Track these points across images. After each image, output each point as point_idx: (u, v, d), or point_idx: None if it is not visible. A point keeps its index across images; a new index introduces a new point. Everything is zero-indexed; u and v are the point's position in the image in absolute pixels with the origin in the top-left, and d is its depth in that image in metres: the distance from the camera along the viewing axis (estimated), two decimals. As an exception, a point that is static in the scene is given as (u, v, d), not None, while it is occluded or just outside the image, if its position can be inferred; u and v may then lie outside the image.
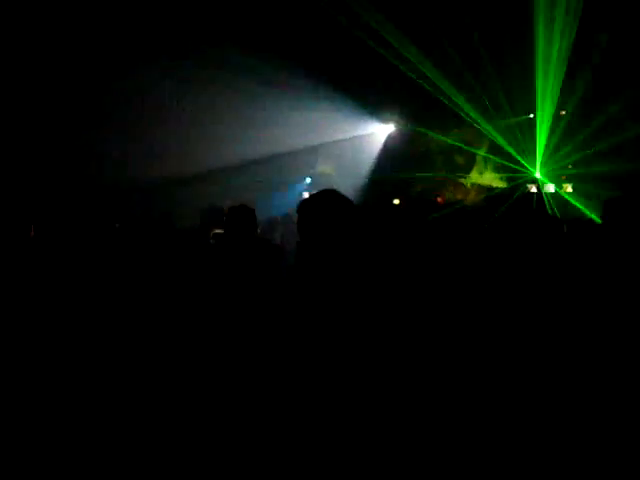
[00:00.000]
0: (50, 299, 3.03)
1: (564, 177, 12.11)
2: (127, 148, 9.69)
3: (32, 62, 8.64)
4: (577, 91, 10.50)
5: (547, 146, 11.77)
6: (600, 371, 2.07)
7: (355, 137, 13.29)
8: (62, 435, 2.62)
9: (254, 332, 2.50)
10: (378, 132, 13.57)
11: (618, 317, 2.13)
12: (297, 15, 8.71)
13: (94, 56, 8.88)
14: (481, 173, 13.12)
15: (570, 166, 12.01)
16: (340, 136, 12.91)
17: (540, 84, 10.36)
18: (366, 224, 2.11)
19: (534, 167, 12.24)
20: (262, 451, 1.85)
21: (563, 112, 11.70)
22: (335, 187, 2.08)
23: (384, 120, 13.21)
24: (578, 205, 11.19)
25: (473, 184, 13.21)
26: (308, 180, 13.48)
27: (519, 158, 12.10)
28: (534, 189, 12.29)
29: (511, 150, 12.00)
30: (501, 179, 12.97)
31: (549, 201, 11.93)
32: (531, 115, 11.86)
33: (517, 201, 10.20)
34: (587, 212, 9.94)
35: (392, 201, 12.15)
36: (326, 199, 1.94)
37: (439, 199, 12.53)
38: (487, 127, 11.76)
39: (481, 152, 12.74)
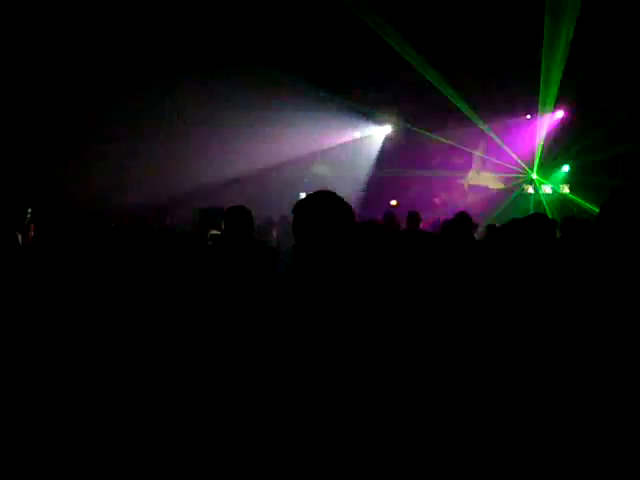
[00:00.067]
0: (48, 299, 3.03)
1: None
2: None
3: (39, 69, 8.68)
4: (576, 91, 10.53)
5: (545, 146, 11.81)
6: (597, 370, 2.08)
7: (352, 140, 13.34)
8: (62, 435, 2.62)
9: (248, 333, 2.50)
10: (375, 134, 13.60)
11: (615, 317, 2.14)
12: (292, 23, 8.71)
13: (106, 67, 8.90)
14: (478, 174, 13.14)
15: (568, 167, 12.04)
16: (337, 141, 12.97)
17: (541, 83, 10.38)
18: (361, 228, 2.11)
19: (531, 168, 12.28)
20: (261, 451, 1.86)
21: (561, 113, 11.75)
22: (330, 188, 2.07)
23: (381, 122, 13.23)
24: (579, 201, 11.21)
25: (470, 185, 13.23)
26: (305, 180, 13.49)
27: (518, 158, 12.14)
28: (531, 190, 12.33)
29: (509, 150, 12.03)
30: (498, 180, 13.00)
31: (546, 202, 11.98)
32: (528, 116, 11.90)
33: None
34: (594, 208, 9.95)
35: (389, 202, 12.21)
36: (321, 200, 1.93)
37: (437, 200, 12.57)
38: (485, 127, 11.79)
39: (481, 150, 12.77)
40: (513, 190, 12.43)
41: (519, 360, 2.28)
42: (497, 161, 12.44)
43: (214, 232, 4.24)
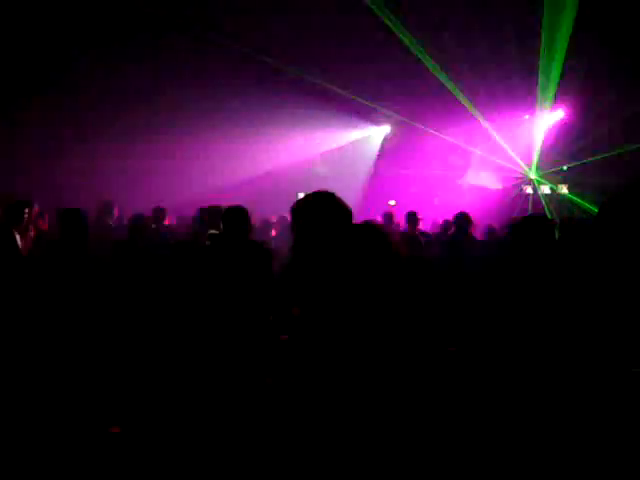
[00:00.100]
0: (44, 299, 3.02)
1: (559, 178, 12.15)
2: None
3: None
4: (575, 91, 10.54)
5: (543, 146, 11.82)
6: (596, 369, 2.08)
7: (352, 141, 13.38)
8: (62, 435, 2.61)
9: (243, 332, 2.50)
10: (374, 135, 13.61)
11: (612, 315, 2.14)
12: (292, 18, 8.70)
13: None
14: (477, 174, 13.14)
15: (566, 167, 12.04)
16: (337, 143, 13.00)
17: (540, 83, 10.38)
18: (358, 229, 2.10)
19: (530, 168, 12.28)
20: (260, 451, 1.85)
21: (560, 113, 11.75)
22: (330, 188, 2.06)
23: (379, 122, 13.24)
24: (578, 201, 11.20)
25: (469, 185, 13.23)
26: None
27: (517, 158, 12.14)
28: (529, 190, 12.33)
29: (509, 150, 12.03)
30: (497, 180, 13.00)
31: (545, 202, 11.97)
32: (527, 116, 11.90)
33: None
34: (593, 208, 9.94)
35: (388, 202, 12.21)
36: (318, 200, 1.93)
37: (436, 200, 12.57)
38: (485, 126, 11.79)
39: (479, 150, 12.76)
40: (512, 190, 12.43)
41: (519, 359, 2.28)
42: (496, 161, 12.43)
43: (213, 232, 4.24)
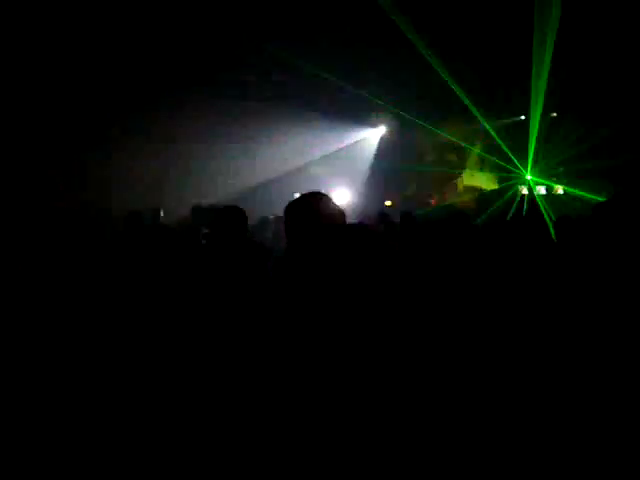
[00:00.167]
0: (37, 297, 3.01)
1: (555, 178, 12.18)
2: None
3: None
4: (568, 92, 10.57)
5: (538, 147, 11.84)
6: (591, 369, 2.08)
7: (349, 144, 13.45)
8: (62, 435, 2.61)
9: (238, 332, 2.49)
10: (371, 136, 13.63)
11: (608, 315, 2.14)
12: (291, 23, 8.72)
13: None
14: (472, 174, 13.17)
15: (561, 168, 12.08)
16: (332, 148, 13.07)
17: (533, 85, 10.41)
18: (352, 229, 2.10)
19: (525, 168, 12.31)
20: (260, 451, 1.85)
21: (554, 114, 11.78)
22: (326, 189, 2.07)
23: (374, 123, 13.27)
24: (575, 202, 11.23)
25: (465, 185, 13.26)
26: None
27: (513, 158, 12.16)
28: (525, 191, 12.36)
29: (505, 150, 12.05)
30: (493, 180, 13.03)
31: (541, 202, 12.00)
32: (522, 117, 11.93)
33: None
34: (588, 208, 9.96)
35: (384, 203, 12.23)
36: (312, 201, 1.93)
37: (432, 200, 12.59)
38: (479, 126, 11.82)
39: (474, 151, 12.79)
40: (507, 190, 12.46)
41: (518, 358, 2.28)
42: (493, 160, 12.47)
43: (207, 231, 4.23)
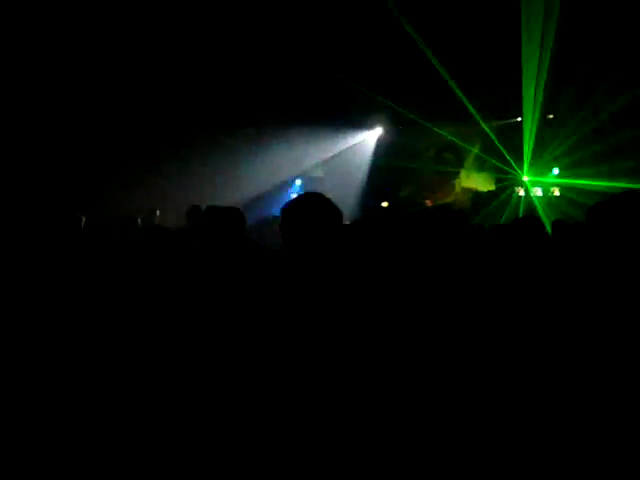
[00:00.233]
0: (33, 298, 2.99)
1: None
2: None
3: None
4: (564, 94, 10.60)
5: (535, 149, 11.86)
6: (595, 370, 2.08)
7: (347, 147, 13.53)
8: (62, 435, 2.60)
9: (236, 334, 2.48)
10: (368, 137, 13.66)
11: (606, 318, 2.14)
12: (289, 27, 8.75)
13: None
14: (469, 176, 13.19)
15: (557, 169, 12.10)
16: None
17: (527, 86, 10.44)
18: (350, 230, 2.10)
19: (522, 170, 12.33)
20: (259, 452, 1.84)
21: (550, 116, 11.80)
22: (323, 191, 2.06)
23: (371, 125, 13.30)
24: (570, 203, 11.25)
25: (462, 187, 13.27)
26: (298, 182, 13.50)
27: (510, 159, 12.18)
28: (522, 192, 12.38)
29: (503, 151, 12.07)
30: (489, 182, 13.04)
31: (537, 204, 12.02)
32: (519, 118, 11.95)
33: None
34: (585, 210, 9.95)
35: (380, 204, 12.23)
36: (308, 203, 1.93)
37: (428, 202, 12.60)
38: (476, 127, 11.83)
39: (472, 152, 12.80)
40: (503, 191, 12.48)
41: (518, 360, 2.27)
42: (490, 161, 12.48)
43: (204, 231, 4.21)
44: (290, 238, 1.90)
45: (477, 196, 12.51)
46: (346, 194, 11.80)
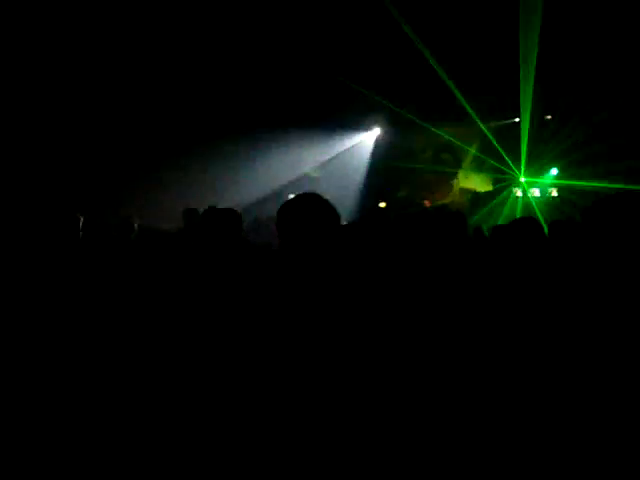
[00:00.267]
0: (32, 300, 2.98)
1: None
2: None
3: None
4: (561, 95, 10.62)
5: (532, 150, 11.88)
6: (594, 369, 2.08)
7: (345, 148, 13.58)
8: (62, 435, 2.59)
9: (234, 335, 2.48)
10: (366, 138, 13.67)
11: (604, 317, 2.14)
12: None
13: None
14: (467, 177, 13.20)
15: (555, 170, 12.12)
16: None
17: (525, 87, 10.45)
18: (347, 231, 2.10)
19: (519, 171, 12.35)
20: (259, 452, 1.83)
21: (548, 117, 11.83)
22: (321, 190, 2.05)
23: (369, 126, 13.31)
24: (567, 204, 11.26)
25: (460, 187, 13.28)
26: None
27: (508, 160, 12.20)
28: (519, 193, 12.40)
29: (501, 152, 12.09)
30: (487, 183, 13.06)
31: (535, 205, 12.04)
32: (517, 119, 11.96)
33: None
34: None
35: (378, 204, 12.24)
36: (305, 203, 1.92)
37: (426, 202, 12.60)
38: (474, 128, 11.85)
39: (470, 152, 12.81)
40: (500, 192, 12.50)
41: (517, 361, 2.27)
42: (488, 161, 12.50)
43: (202, 230, 4.20)
44: (287, 238, 1.90)
45: (475, 197, 12.52)
46: (344, 195, 11.82)
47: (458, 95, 10.70)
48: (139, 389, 2.80)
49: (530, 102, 10.81)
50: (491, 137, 11.88)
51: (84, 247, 3.38)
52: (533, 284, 2.57)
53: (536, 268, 2.72)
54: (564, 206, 11.25)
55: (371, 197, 12.60)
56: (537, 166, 12.15)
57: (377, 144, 13.56)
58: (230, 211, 3.15)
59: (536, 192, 12.38)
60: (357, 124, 12.96)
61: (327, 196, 1.98)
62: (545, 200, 12.14)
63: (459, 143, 12.64)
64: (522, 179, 12.36)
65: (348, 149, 13.60)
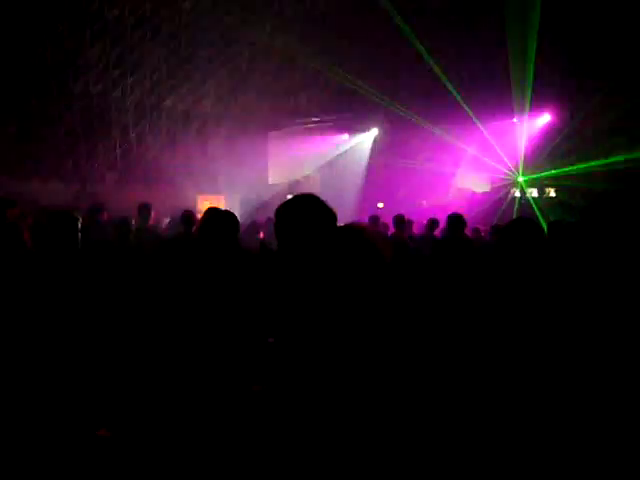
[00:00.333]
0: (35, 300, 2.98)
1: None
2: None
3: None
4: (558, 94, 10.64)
5: (530, 150, 11.90)
6: (594, 369, 2.08)
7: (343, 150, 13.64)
8: (62, 435, 2.60)
9: (232, 336, 2.47)
10: (365, 139, 13.70)
11: (602, 317, 2.14)
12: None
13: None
14: (465, 176, 13.21)
15: (552, 170, 12.14)
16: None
17: (523, 86, 10.47)
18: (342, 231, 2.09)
19: (517, 171, 12.36)
20: (258, 452, 1.83)
21: (546, 117, 11.85)
22: (318, 191, 2.05)
23: (367, 126, 13.34)
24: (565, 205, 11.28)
25: (458, 188, 13.30)
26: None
27: (505, 160, 12.22)
28: (517, 193, 12.41)
29: (499, 152, 12.11)
30: (485, 182, 13.07)
31: (533, 205, 12.06)
32: (515, 120, 11.98)
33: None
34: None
35: (377, 205, 12.24)
36: (302, 204, 1.92)
37: (424, 202, 12.61)
38: (471, 128, 11.86)
39: (468, 152, 12.83)
40: (498, 193, 12.51)
41: (517, 361, 2.27)
42: (486, 162, 12.51)
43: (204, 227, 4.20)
44: (284, 238, 1.89)
45: (473, 197, 12.52)
46: (343, 196, 11.84)
47: (456, 95, 10.72)
48: (139, 389, 2.80)
49: (529, 102, 10.84)
50: (489, 137, 11.90)
51: (84, 248, 3.37)
52: (531, 284, 2.56)
53: (534, 268, 2.72)
54: (562, 206, 11.27)
55: (370, 198, 12.61)
56: (535, 166, 12.16)
57: (375, 145, 13.58)
58: (226, 213, 3.15)
59: (534, 192, 12.39)
60: (356, 125, 12.99)
61: (326, 197, 1.97)
62: (543, 200, 12.16)
63: (457, 144, 12.66)
64: (520, 179, 12.38)
65: (347, 150, 13.64)
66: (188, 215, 5.12)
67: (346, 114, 12.07)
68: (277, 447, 1.77)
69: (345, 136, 13.53)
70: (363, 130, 13.44)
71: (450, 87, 10.59)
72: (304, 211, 1.89)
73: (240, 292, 2.77)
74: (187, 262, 3.18)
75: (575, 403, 2.05)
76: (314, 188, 11.50)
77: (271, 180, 12.66)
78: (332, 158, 13.48)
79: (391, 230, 6.28)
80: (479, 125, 11.70)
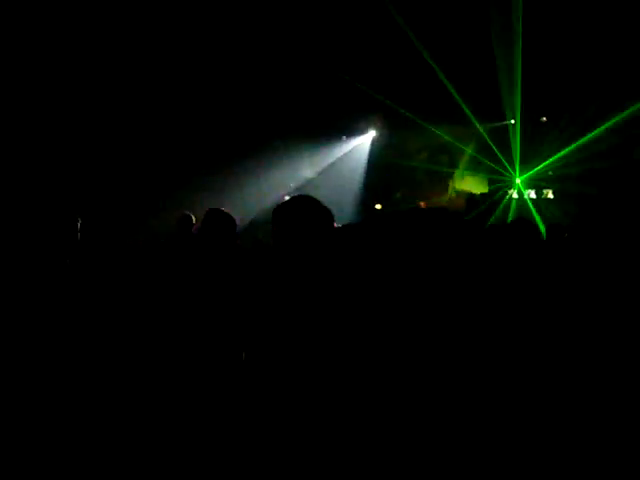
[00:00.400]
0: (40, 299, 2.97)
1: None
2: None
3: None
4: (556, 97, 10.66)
5: (528, 151, 11.91)
6: (594, 368, 2.08)
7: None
8: (62, 435, 2.59)
9: (231, 336, 2.47)
10: (363, 141, 13.71)
11: (601, 318, 2.14)
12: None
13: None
14: (463, 178, 13.22)
15: (550, 172, 12.15)
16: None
17: (520, 88, 10.48)
18: (339, 232, 2.10)
19: (514, 173, 12.37)
20: (258, 452, 1.82)
21: (544, 118, 11.86)
22: (316, 192, 2.06)
23: (365, 128, 13.34)
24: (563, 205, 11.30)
25: (456, 189, 13.30)
26: (292, 184, 13.56)
27: (503, 161, 12.23)
28: (515, 194, 12.42)
29: (497, 153, 12.11)
30: (483, 184, 13.07)
31: (531, 207, 12.07)
32: (512, 121, 11.98)
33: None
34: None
35: (374, 206, 12.25)
36: (299, 205, 1.92)
37: (422, 203, 12.61)
38: (470, 129, 11.87)
39: (465, 153, 12.84)
40: (496, 193, 12.52)
41: (517, 361, 2.27)
42: (484, 162, 12.52)
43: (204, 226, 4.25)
44: (281, 239, 1.90)
45: (471, 198, 12.52)
46: (342, 197, 11.86)
47: (455, 96, 10.72)
48: (138, 389, 2.80)
49: (525, 103, 10.85)
50: (487, 138, 11.91)
51: (82, 248, 3.37)
52: (530, 285, 2.56)
53: (532, 269, 2.72)
54: (560, 208, 11.28)
55: (368, 199, 12.62)
56: (533, 167, 12.18)
57: (374, 146, 13.59)
58: (224, 214, 3.20)
59: (532, 193, 12.40)
60: (354, 126, 13.00)
61: (325, 199, 1.98)
62: (541, 201, 12.17)
63: (455, 144, 12.66)
64: (518, 180, 12.39)
65: (346, 153, 13.67)
66: (185, 217, 5.23)
67: (344, 116, 12.07)
68: (275, 446, 1.77)
69: (343, 138, 13.56)
70: (361, 132, 13.47)
71: (449, 87, 10.58)
72: (301, 212, 1.90)
73: (236, 286, 2.79)
74: (189, 258, 3.21)
75: (575, 403, 2.05)
76: (313, 191, 11.50)
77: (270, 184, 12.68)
78: (331, 161, 13.51)
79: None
80: (478, 126, 11.71)
